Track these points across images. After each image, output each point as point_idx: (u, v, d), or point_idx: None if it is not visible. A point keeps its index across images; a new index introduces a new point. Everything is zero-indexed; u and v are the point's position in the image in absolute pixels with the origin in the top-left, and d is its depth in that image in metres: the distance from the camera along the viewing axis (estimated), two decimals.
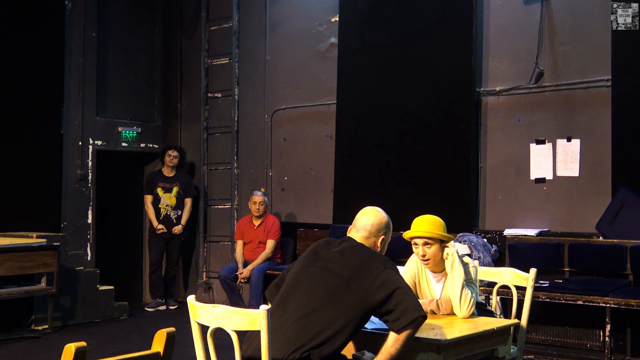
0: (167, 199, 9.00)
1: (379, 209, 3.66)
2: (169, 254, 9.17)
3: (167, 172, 9.10)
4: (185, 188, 9.11)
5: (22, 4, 8.40)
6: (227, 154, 9.32)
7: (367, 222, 3.59)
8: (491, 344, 3.73)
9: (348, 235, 3.62)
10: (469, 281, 3.96)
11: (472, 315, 3.90)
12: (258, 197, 8.29)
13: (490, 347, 3.73)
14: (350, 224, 3.66)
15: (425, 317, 3.26)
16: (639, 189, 6.38)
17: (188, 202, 9.12)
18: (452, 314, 3.94)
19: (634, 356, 6.18)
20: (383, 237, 3.61)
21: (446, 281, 4.03)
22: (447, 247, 4.00)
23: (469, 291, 3.89)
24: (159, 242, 9.01)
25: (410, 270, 4.17)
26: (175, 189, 9.05)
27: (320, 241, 3.65)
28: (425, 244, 3.97)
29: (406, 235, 4.04)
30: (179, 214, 9.05)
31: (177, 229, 8.99)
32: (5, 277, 7.02)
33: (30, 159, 8.44)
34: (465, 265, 4.00)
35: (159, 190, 9.01)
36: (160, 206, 8.98)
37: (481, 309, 4.08)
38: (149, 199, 9.00)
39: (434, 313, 3.97)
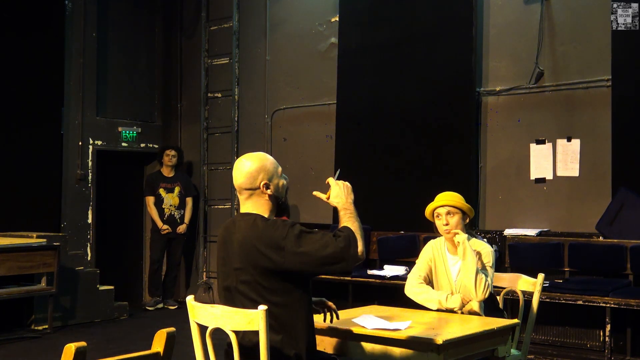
0: (170, 199, 9.04)
1: (246, 156, 3.24)
2: (172, 254, 9.19)
3: (167, 173, 9.11)
4: (185, 187, 9.15)
5: (23, 4, 8.39)
6: (227, 154, 9.32)
7: (240, 178, 3.19)
8: (491, 344, 3.73)
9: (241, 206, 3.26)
10: (486, 265, 4.07)
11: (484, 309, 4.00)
12: None
13: (490, 347, 3.73)
14: None
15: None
16: (639, 189, 6.38)
17: (189, 201, 9.16)
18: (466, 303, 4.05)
19: (634, 356, 6.18)
20: (265, 181, 3.18)
21: (460, 268, 4.11)
22: (457, 234, 4.10)
23: (483, 275, 3.98)
24: (161, 242, 9.04)
25: (426, 256, 4.27)
26: (177, 189, 9.08)
27: (223, 232, 3.29)
28: (448, 213, 4.12)
29: (429, 208, 4.16)
30: (182, 213, 9.10)
31: (182, 228, 9.04)
32: (5, 277, 7.01)
33: (30, 159, 8.44)
34: (482, 248, 4.12)
35: (161, 191, 9.03)
36: (163, 207, 9.01)
37: (492, 308, 4.14)
38: (150, 200, 9.02)
39: (453, 311, 4.03)
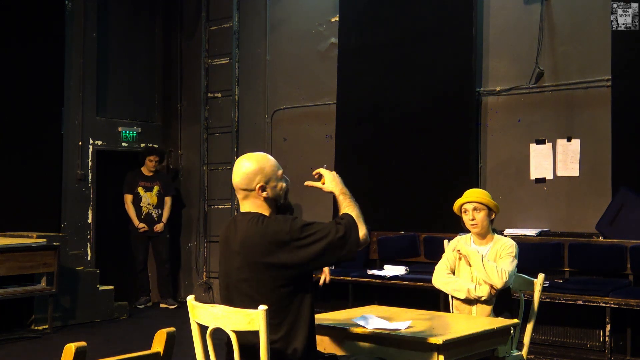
0: (149, 198, 9.07)
1: (246, 156, 3.22)
2: (156, 254, 9.20)
3: (147, 172, 9.15)
4: (164, 187, 9.17)
5: (23, 4, 8.39)
6: (227, 154, 9.32)
7: (236, 178, 3.18)
8: (491, 344, 3.73)
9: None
10: (509, 254, 4.25)
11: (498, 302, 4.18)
12: None
13: (490, 347, 3.73)
14: None
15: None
16: (639, 189, 6.38)
17: (168, 200, 9.19)
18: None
19: (634, 356, 6.18)
20: (261, 184, 3.15)
21: (474, 265, 4.29)
22: (460, 235, 4.38)
23: (492, 264, 4.17)
24: (143, 241, 9.07)
25: (452, 250, 4.46)
26: (156, 188, 9.12)
27: (225, 231, 3.30)
28: (475, 209, 4.34)
29: (457, 203, 4.39)
30: (160, 212, 9.11)
31: (159, 227, 9.05)
32: (5, 277, 7.01)
33: (31, 159, 8.44)
34: (506, 242, 4.35)
35: (140, 190, 9.07)
36: (141, 205, 9.05)
37: (503, 307, 4.25)
38: (129, 198, 9.07)
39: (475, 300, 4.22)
